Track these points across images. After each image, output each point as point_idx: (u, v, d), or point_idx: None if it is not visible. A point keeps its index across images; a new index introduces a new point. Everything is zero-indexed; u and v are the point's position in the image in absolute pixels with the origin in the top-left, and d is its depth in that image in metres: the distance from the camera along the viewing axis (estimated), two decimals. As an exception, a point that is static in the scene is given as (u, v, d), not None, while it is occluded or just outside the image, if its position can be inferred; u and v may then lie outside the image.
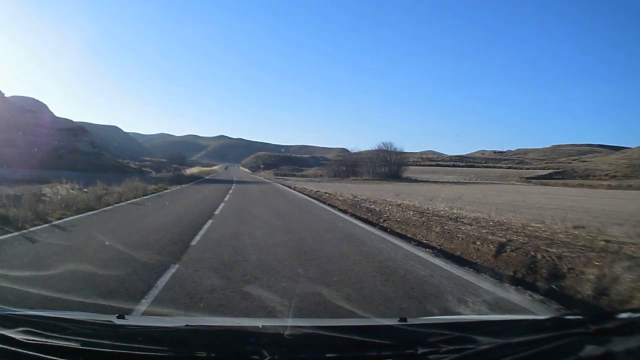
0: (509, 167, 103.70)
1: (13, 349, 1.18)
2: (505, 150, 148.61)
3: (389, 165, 72.72)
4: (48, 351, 1.16)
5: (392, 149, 75.56)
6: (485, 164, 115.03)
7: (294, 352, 1.20)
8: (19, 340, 1.20)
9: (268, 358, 1.11)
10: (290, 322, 1.49)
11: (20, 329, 1.25)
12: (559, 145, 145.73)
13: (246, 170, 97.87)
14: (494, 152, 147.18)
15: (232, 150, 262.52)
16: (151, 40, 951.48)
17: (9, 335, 1.22)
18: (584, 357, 1.11)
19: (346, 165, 79.59)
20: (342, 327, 1.51)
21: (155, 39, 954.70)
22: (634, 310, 1.30)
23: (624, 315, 1.28)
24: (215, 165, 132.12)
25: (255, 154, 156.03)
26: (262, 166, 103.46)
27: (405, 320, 1.42)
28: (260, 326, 1.35)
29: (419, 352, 1.18)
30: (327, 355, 1.17)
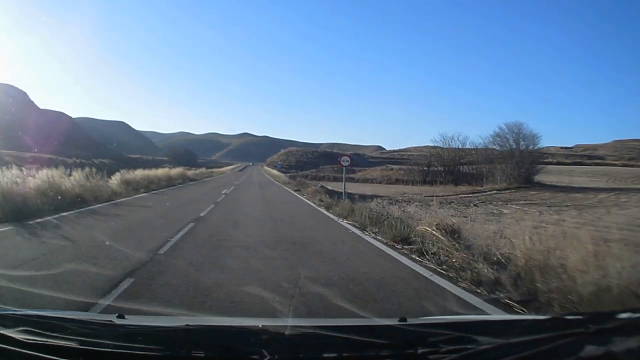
0: (624, 165, 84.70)
1: (13, 348, 1.18)
2: (571, 145, 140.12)
3: (518, 163, 42.29)
4: (48, 351, 1.16)
5: (522, 142, 44.48)
6: (606, 162, 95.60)
7: (294, 351, 1.20)
8: (19, 340, 1.20)
9: (268, 358, 1.11)
10: (291, 322, 1.50)
11: (20, 328, 1.25)
12: (621, 140, 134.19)
13: (274, 172, 54.60)
14: (561, 147, 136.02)
15: (255, 148, 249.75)
16: (171, 38, 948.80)
17: (9, 335, 1.22)
18: (584, 357, 1.11)
19: (445, 164, 49.98)
20: (342, 327, 1.51)
21: (175, 37, 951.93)
22: (634, 310, 1.31)
23: (624, 315, 1.29)
24: (232, 164, 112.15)
25: (285, 150, 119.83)
26: (345, 165, 20.89)
27: (405, 320, 1.42)
28: (260, 326, 1.35)
29: (418, 352, 1.18)
30: (327, 355, 1.17)
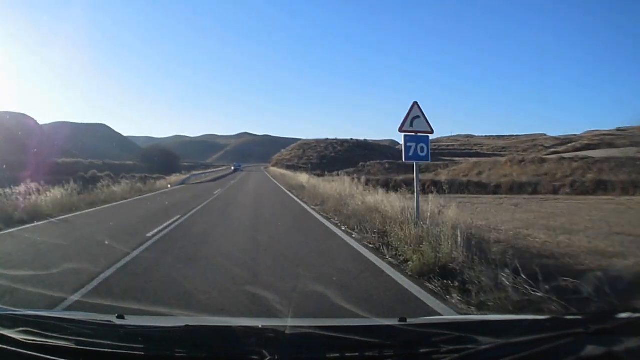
0: None
1: (13, 349, 1.18)
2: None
3: None
4: (48, 351, 1.16)
5: None
6: None
7: (294, 352, 1.20)
8: (19, 340, 1.20)
9: (268, 358, 1.11)
10: (291, 322, 1.49)
11: (20, 329, 1.25)
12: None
13: (303, 180, 19.91)
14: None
15: (256, 148, 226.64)
16: (162, 42, 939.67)
17: (9, 335, 1.22)
18: (584, 357, 1.11)
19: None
20: (342, 327, 1.51)
21: (166, 41, 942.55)
22: (634, 310, 1.31)
23: (624, 315, 1.29)
24: (221, 167, 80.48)
25: (299, 143, 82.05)
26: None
27: (405, 320, 1.42)
28: (260, 326, 1.35)
29: (419, 351, 1.18)
30: (328, 355, 1.17)
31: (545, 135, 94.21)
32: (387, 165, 49.14)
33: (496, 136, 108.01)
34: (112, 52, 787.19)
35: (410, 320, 1.43)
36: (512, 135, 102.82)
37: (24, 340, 1.20)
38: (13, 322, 1.32)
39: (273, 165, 63.15)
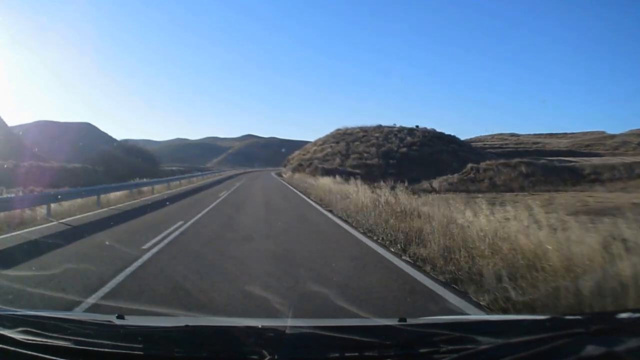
0: None
1: (13, 349, 1.18)
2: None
3: None
4: (48, 351, 1.17)
5: None
6: None
7: (294, 352, 1.20)
8: (19, 340, 1.20)
9: (268, 358, 1.11)
10: (290, 322, 1.50)
11: (20, 329, 1.26)
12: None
13: None
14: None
15: (262, 150, 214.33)
16: (162, 46, 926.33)
17: (9, 335, 1.22)
18: (584, 357, 1.10)
19: None
20: (342, 327, 1.51)
21: (166, 44, 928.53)
22: (634, 310, 1.31)
23: (624, 315, 1.29)
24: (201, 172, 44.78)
25: (332, 133, 49.24)
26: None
27: (405, 320, 1.43)
28: (260, 326, 1.35)
29: (419, 351, 1.18)
30: (327, 355, 1.17)
31: (604, 132, 77.46)
32: (523, 169, 29.37)
33: (546, 134, 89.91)
34: (109, 54, 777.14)
35: (410, 320, 1.43)
36: (567, 133, 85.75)
37: (24, 340, 1.20)
38: (13, 322, 1.32)
39: (295, 170, 37.93)
